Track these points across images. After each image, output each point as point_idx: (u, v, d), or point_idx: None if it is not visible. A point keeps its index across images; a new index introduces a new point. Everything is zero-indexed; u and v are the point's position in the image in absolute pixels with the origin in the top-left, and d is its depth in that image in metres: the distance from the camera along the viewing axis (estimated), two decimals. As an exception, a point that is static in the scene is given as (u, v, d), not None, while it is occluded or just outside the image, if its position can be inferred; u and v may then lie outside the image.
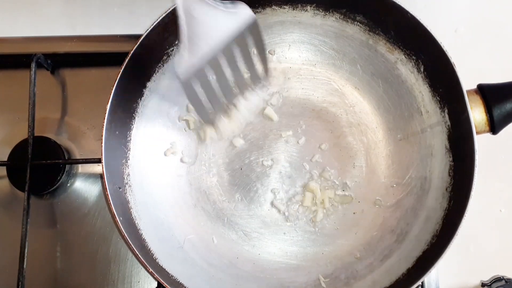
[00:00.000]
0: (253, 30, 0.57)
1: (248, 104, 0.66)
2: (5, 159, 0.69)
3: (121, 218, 0.57)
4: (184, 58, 0.55)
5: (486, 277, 0.70)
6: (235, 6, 0.56)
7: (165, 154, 0.68)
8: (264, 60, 0.61)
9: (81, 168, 0.73)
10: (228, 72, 0.60)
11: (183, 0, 0.53)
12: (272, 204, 0.69)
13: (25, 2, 0.79)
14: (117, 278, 0.69)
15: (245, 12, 0.56)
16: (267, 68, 0.63)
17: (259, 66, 0.62)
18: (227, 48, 0.57)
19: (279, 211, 0.68)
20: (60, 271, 0.69)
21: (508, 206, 0.73)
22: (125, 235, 0.56)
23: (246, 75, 0.62)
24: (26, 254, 0.64)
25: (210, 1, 0.54)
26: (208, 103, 0.61)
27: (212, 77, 0.59)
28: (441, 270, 0.70)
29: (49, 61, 0.74)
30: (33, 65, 0.70)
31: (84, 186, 0.72)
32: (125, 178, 0.63)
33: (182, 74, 0.56)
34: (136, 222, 0.61)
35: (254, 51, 0.60)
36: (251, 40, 0.58)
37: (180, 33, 0.54)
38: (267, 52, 0.61)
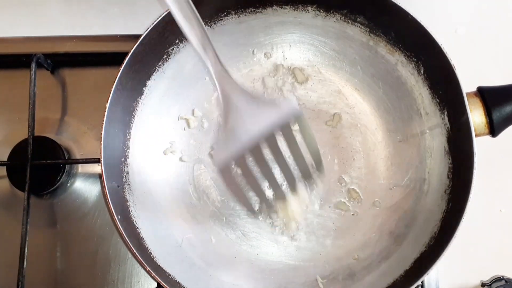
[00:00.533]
0: (299, 123, 0.56)
1: (296, 199, 0.63)
2: (5, 159, 0.69)
3: (119, 217, 0.58)
4: (222, 147, 0.54)
5: (486, 277, 0.70)
6: (279, 102, 0.55)
7: (164, 153, 0.69)
8: (314, 153, 0.58)
9: (81, 168, 0.73)
10: (272, 162, 0.58)
11: (225, 89, 0.53)
12: (271, 204, 0.69)
13: (25, 2, 0.80)
14: (117, 278, 0.70)
15: (289, 106, 0.55)
16: (320, 161, 0.59)
17: (309, 159, 0.59)
18: (270, 137, 0.55)
19: (278, 211, 0.69)
20: (60, 271, 0.70)
21: (508, 206, 0.74)
22: (123, 233, 0.57)
23: (294, 167, 0.60)
24: (26, 254, 0.65)
25: (252, 92, 0.54)
26: (250, 192, 0.59)
27: (254, 167, 0.57)
28: (441, 270, 0.70)
29: (49, 61, 0.74)
30: (33, 65, 0.70)
31: (84, 186, 0.73)
32: (124, 176, 0.63)
33: (219, 164, 0.55)
34: (134, 220, 0.61)
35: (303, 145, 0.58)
36: (298, 131, 0.56)
37: (221, 120, 0.54)
38: (317, 145, 0.58)
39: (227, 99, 0.54)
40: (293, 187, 0.61)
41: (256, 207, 0.62)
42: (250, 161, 0.56)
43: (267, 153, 0.56)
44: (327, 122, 0.71)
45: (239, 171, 0.56)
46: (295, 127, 0.56)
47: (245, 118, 0.54)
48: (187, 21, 0.52)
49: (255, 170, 0.57)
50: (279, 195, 0.61)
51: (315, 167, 0.60)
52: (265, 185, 0.60)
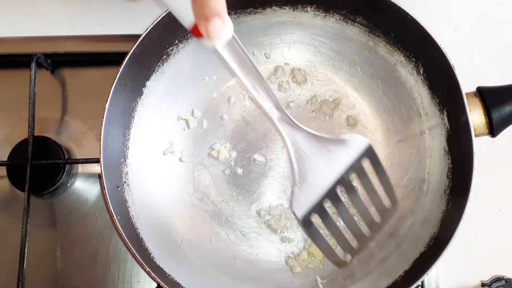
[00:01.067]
0: (368, 156, 0.54)
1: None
2: (5, 159, 0.69)
3: (119, 217, 0.58)
4: (299, 196, 0.53)
5: (486, 277, 0.70)
6: (346, 139, 0.53)
7: (164, 154, 0.69)
8: (388, 187, 0.55)
9: (81, 168, 0.73)
10: (349, 204, 0.57)
11: (293, 140, 0.52)
12: (270, 204, 0.69)
13: (25, 2, 0.80)
14: (117, 278, 0.69)
15: (357, 139, 0.53)
16: (394, 197, 0.56)
17: (383, 195, 0.56)
18: (345, 178, 0.53)
19: (277, 211, 0.69)
20: (60, 271, 0.69)
21: (508, 206, 0.74)
22: (123, 234, 0.57)
23: (371, 208, 0.57)
24: (26, 254, 0.64)
25: (319, 133, 0.53)
26: (332, 239, 0.57)
27: (332, 213, 0.55)
28: (441, 270, 0.70)
29: (49, 61, 0.74)
30: (33, 65, 0.70)
31: (84, 186, 0.73)
32: (124, 177, 0.63)
33: (299, 213, 0.53)
34: (134, 221, 0.61)
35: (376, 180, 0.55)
36: (368, 165, 0.54)
37: (292, 171, 0.53)
38: (389, 179, 0.55)
39: (295, 147, 0.53)
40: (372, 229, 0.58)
41: (344, 255, 0.58)
42: (329, 207, 0.54)
43: (344, 196, 0.55)
44: (326, 123, 0.71)
45: (319, 219, 0.54)
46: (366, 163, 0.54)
47: (318, 163, 0.53)
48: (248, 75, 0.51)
49: (334, 217, 0.56)
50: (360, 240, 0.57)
51: (389, 201, 0.57)
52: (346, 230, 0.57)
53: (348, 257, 0.57)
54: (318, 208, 0.53)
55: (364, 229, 0.57)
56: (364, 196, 0.56)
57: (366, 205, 0.56)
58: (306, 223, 0.53)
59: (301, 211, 0.53)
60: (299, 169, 0.53)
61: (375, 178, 0.55)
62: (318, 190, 0.53)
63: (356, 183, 0.56)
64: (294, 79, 0.73)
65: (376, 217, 0.57)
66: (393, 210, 0.57)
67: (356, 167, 0.53)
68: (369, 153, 0.54)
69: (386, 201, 0.56)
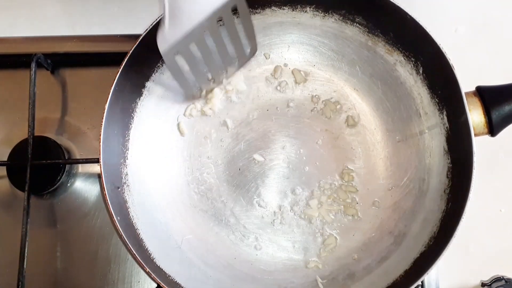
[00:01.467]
0: (239, 5, 0.56)
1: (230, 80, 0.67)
2: (5, 159, 0.69)
3: (118, 218, 0.57)
4: (165, 32, 0.54)
5: (486, 277, 0.70)
6: None
7: (163, 154, 0.69)
8: (250, 35, 0.60)
9: (81, 168, 0.73)
10: (212, 46, 0.59)
11: None
12: (270, 205, 0.69)
13: (25, 2, 0.79)
14: (117, 278, 0.69)
15: None
16: (255, 44, 0.62)
17: (245, 42, 0.61)
18: (211, 22, 0.56)
19: (277, 212, 0.69)
20: (60, 271, 0.69)
21: (508, 206, 0.73)
22: (123, 235, 0.56)
23: (231, 50, 0.62)
24: (26, 254, 0.64)
25: None
26: (192, 77, 0.61)
27: (196, 52, 0.58)
28: (441, 270, 0.70)
29: (49, 61, 0.74)
30: (33, 65, 0.70)
31: (84, 186, 0.72)
32: (123, 178, 0.63)
33: (163, 48, 0.55)
34: (133, 222, 0.61)
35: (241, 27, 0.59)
36: (237, 15, 0.57)
37: (162, 5, 0.53)
38: (253, 27, 0.61)
39: None
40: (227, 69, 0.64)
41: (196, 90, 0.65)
42: (193, 46, 0.57)
43: (209, 39, 0.58)
44: (326, 123, 0.71)
45: (181, 55, 0.57)
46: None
47: (186, 3, 0.54)
48: None
49: (197, 55, 0.59)
50: (217, 79, 0.65)
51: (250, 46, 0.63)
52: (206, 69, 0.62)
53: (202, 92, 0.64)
54: (183, 47, 0.56)
55: (220, 64, 0.63)
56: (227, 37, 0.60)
57: (227, 49, 0.60)
58: (168, 59, 0.57)
59: (165, 47, 0.55)
60: (169, 7, 0.54)
61: (240, 25, 0.60)
62: (184, 30, 0.55)
63: (221, 27, 0.58)
64: (294, 79, 0.73)
65: (233, 57, 0.63)
66: (250, 54, 0.63)
67: (224, 11, 0.56)
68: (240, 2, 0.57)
69: (246, 46, 0.62)
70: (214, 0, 0.55)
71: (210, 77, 0.64)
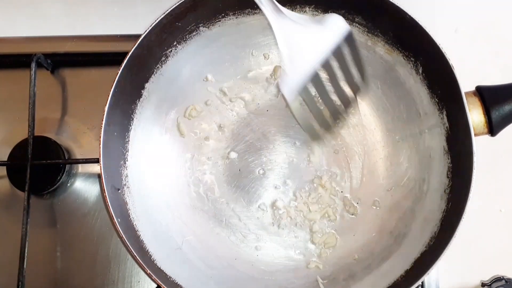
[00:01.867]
0: (348, 42, 0.56)
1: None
2: (5, 159, 0.68)
3: (119, 220, 0.56)
4: (288, 78, 0.54)
5: (486, 277, 0.69)
6: (327, 19, 0.55)
7: (163, 155, 0.68)
8: (361, 70, 0.59)
9: (81, 168, 0.72)
10: (329, 86, 0.59)
11: (278, 23, 0.53)
12: (270, 205, 0.68)
13: (25, 2, 0.79)
14: (117, 278, 0.69)
15: (338, 25, 0.55)
16: (365, 76, 0.61)
17: (357, 78, 0.60)
18: (326, 62, 0.56)
19: (277, 212, 0.68)
20: (60, 271, 0.69)
21: (508, 206, 0.73)
22: (123, 236, 0.55)
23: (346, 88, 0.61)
24: (26, 254, 0.63)
25: (301, 20, 0.54)
26: (314, 120, 0.61)
27: (315, 94, 0.58)
28: (441, 270, 0.69)
29: (49, 61, 0.73)
30: (33, 65, 0.69)
31: (84, 186, 0.72)
32: (123, 179, 0.62)
33: (288, 94, 0.55)
34: (134, 223, 0.60)
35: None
36: (347, 51, 0.57)
37: (281, 54, 0.54)
38: (363, 62, 0.59)
39: (281, 32, 0.54)
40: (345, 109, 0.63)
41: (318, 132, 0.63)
42: (312, 88, 0.57)
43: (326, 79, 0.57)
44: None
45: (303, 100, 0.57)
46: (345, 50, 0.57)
47: (302, 47, 0.54)
48: None
49: (317, 97, 0.59)
50: (335, 117, 0.63)
51: (361, 80, 0.61)
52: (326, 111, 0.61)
53: (323, 132, 0.62)
54: (303, 91, 0.55)
55: (340, 106, 0.62)
56: (341, 77, 0.58)
57: (342, 86, 0.59)
58: (293, 104, 0.56)
59: (290, 93, 0.55)
60: (288, 53, 0.54)
61: (351, 63, 0.58)
62: (304, 72, 0.55)
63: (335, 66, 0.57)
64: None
65: (350, 95, 0.61)
66: (363, 87, 0.61)
67: (336, 52, 0.55)
68: (348, 36, 0.55)
69: (358, 81, 0.60)
70: (325, 39, 0.55)
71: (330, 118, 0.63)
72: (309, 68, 0.55)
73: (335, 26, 0.55)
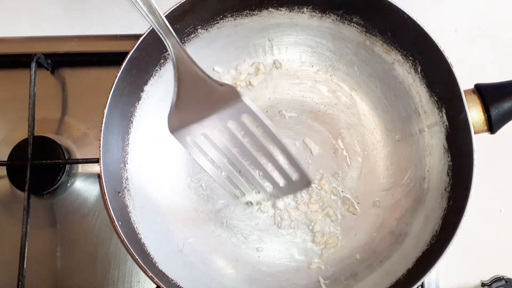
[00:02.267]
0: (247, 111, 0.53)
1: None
2: (5, 159, 0.67)
3: (120, 223, 0.55)
4: (174, 114, 0.54)
5: (486, 277, 0.68)
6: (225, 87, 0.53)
7: (163, 158, 0.67)
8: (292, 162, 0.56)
9: (81, 168, 0.72)
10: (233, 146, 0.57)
11: (181, 60, 0.53)
12: (271, 206, 0.67)
13: (25, 2, 0.78)
14: (117, 278, 0.68)
15: (229, 91, 0.53)
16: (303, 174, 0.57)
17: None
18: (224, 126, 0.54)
19: (278, 213, 0.67)
20: (60, 271, 0.68)
21: (508, 206, 0.72)
22: (124, 239, 0.54)
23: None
24: (26, 254, 0.62)
25: (206, 73, 0.53)
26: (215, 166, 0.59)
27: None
28: (441, 270, 0.69)
29: (49, 61, 0.72)
30: (33, 65, 0.68)
31: (84, 186, 0.71)
32: (124, 182, 0.61)
33: (172, 130, 0.55)
34: (135, 226, 0.59)
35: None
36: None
37: (174, 88, 0.53)
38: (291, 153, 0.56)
39: (181, 69, 0.53)
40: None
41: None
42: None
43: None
44: (325, 124, 0.70)
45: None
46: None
47: (194, 94, 0.54)
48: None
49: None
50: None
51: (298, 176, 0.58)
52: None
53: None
54: (194, 135, 0.55)
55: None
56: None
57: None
58: (182, 141, 0.55)
59: (174, 129, 0.55)
60: (179, 90, 0.53)
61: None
62: (193, 118, 0.54)
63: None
64: (292, 80, 0.72)
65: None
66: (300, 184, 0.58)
67: (235, 117, 0.54)
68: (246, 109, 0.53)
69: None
70: (221, 102, 0.53)
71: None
72: (198, 116, 0.54)
73: (229, 94, 0.53)
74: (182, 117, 0.54)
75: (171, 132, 0.55)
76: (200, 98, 0.54)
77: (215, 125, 0.55)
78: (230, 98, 0.53)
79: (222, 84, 0.53)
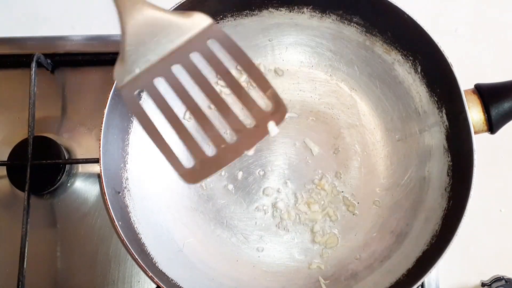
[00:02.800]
0: (222, 41, 0.45)
1: None
2: (5, 159, 0.67)
3: (120, 223, 0.55)
4: (122, 64, 0.45)
5: (486, 277, 0.68)
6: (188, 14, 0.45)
7: (164, 158, 0.68)
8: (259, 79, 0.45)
9: (81, 168, 0.71)
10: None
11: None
12: (271, 206, 0.67)
13: (25, 2, 0.78)
14: (117, 278, 0.67)
15: (200, 18, 0.45)
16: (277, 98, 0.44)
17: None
18: (187, 60, 0.45)
19: (278, 213, 0.67)
20: (60, 271, 0.67)
21: (508, 206, 0.72)
22: (125, 239, 0.54)
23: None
24: (26, 254, 0.62)
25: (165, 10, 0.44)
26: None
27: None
28: (441, 270, 0.68)
29: (49, 61, 0.72)
30: (33, 65, 0.68)
31: (84, 186, 0.70)
32: (124, 182, 0.61)
33: (119, 82, 0.45)
34: (135, 226, 0.59)
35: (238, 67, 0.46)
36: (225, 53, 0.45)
37: (120, 33, 0.45)
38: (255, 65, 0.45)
39: (126, 9, 0.45)
40: None
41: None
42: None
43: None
44: (325, 124, 0.70)
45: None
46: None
47: (147, 34, 0.44)
48: None
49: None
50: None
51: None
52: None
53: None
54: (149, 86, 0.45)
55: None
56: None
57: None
58: (128, 99, 0.45)
59: (121, 82, 0.44)
60: (128, 35, 0.44)
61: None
62: (144, 63, 0.44)
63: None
64: (292, 80, 0.71)
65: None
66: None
67: (201, 48, 0.44)
68: (216, 34, 0.45)
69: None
70: (180, 32, 0.45)
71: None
72: (150, 59, 0.45)
73: (197, 19, 0.45)
74: (133, 63, 0.44)
75: (118, 88, 0.45)
76: (157, 39, 0.44)
77: (174, 61, 0.45)
78: (194, 28, 0.44)
79: (188, 16, 0.44)
